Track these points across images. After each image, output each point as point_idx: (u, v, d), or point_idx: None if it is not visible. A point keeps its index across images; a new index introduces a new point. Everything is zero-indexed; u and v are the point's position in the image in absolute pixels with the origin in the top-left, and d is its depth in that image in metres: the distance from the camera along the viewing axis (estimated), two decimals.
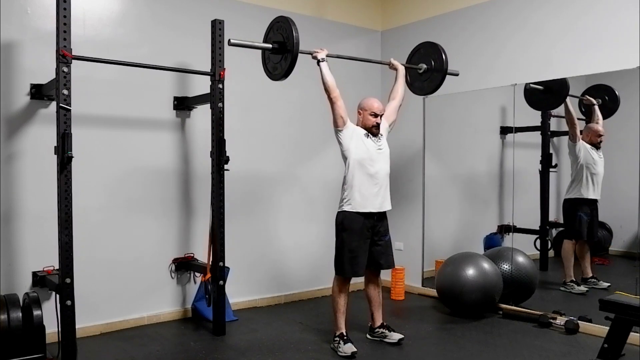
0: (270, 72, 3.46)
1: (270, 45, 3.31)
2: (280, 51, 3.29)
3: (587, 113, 4.42)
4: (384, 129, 3.60)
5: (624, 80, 3.87)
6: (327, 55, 3.46)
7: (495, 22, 4.51)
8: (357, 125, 3.54)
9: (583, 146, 4.38)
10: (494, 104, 4.93)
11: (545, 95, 4.40)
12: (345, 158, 3.48)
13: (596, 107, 4.34)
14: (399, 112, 3.77)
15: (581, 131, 4.43)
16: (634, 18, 3.64)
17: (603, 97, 4.32)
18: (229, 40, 3.16)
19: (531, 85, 4.40)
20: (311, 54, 3.43)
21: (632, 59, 3.64)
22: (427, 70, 3.89)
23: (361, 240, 3.45)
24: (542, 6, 4.19)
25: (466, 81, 4.67)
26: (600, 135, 4.36)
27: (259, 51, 4.63)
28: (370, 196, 3.45)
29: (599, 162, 4.38)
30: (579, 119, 4.44)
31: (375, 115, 3.51)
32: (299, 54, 3.24)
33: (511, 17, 4.40)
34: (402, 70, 3.82)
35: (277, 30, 3.33)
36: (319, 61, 3.42)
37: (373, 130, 3.52)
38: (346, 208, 3.46)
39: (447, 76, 3.85)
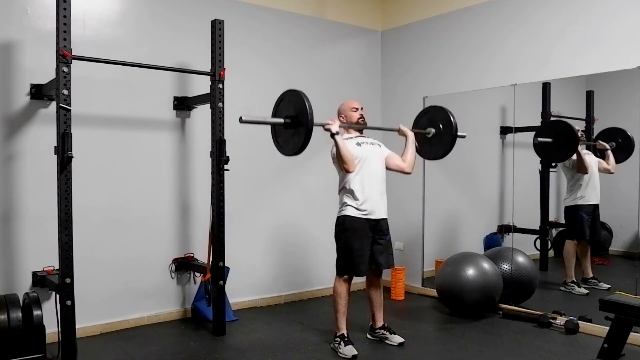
0: (282, 147, 3.29)
1: (282, 120, 3.13)
2: (293, 125, 3.13)
3: (602, 157, 4.41)
4: (381, 154, 3.56)
5: (624, 80, 3.87)
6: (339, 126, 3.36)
7: (495, 22, 4.51)
8: (344, 131, 3.54)
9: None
10: (493, 104, 4.93)
11: (555, 145, 4.38)
12: (338, 167, 3.46)
13: (610, 152, 4.33)
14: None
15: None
16: (634, 18, 3.64)
17: (616, 140, 4.31)
18: (240, 117, 2.98)
19: (540, 139, 4.42)
20: (323, 127, 3.29)
21: (632, 59, 3.64)
22: (436, 134, 3.77)
23: (364, 240, 3.44)
24: (541, 6, 4.19)
25: (466, 81, 4.67)
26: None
27: (259, 51, 4.64)
28: (368, 202, 3.43)
29: (593, 164, 4.39)
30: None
31: (356, 109, 3.55)
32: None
33: (511, 17, 4.40)
34: (411, 136, 3.64)
35: (289, 104, 3.16)
36: (333, 134, 3.29)
37: (360, 122, 3.53)
38: (346, 213, 3.45)
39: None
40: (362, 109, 3.60)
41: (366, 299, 3.72)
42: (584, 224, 4.43)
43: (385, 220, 3.56)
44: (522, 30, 4.31)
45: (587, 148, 4.47)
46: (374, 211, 3.45)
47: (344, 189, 3.47)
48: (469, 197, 5.38)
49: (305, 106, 3.00)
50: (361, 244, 3.43)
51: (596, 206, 4.41)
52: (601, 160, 4.39)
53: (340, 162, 3.35)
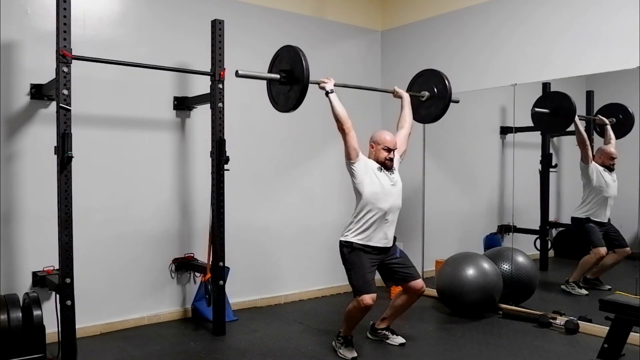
0: (277, 103, 3.31)
1: (277, 76, 3.15)
2: (288, 82, 3.16)
3: (601, 133, 4.38)
4: (396, 161, 3.46)
5: (624, 80, 3.87)
6: (334, 85, 3.34)
7: (495, 22, 4.51)
8: (368, 157, 3.43)
9: (595, 168, 4.33)
10: (493, 104, 4.94)
11: (552, 118, 4.36)
12: (357, 192, 3.35)
13: (609, 127, 4.30)
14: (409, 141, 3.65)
15: (593, 153, 4.38)
16: (634, 18, 3.64)
17: (617, 115, 4.28)
18: (237, 71, 3.02)
19: (537, 109, 4.38)
20: (318, 84, 3.29)
21: (632, 59, 3.64)
22: (430, 97, 3.78)
23: (372, 260, 3.35)
24: (541, 6, 4.19)
25: (466, 81, 4.67)
26: (613, 158, 4.31)
27: (259, 51, 4.63)
28: (380, 232, 3.35)
29: (612, 185, 4.32)
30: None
31: (389, 150, 3.38)
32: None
33: (511, 17, 4.40)
34: (407, 97, 3.68)
35: (284, 60, 3.18)
36: (327, 92, 3.29)
37: (387, 164, 3.40)
38: (351, 239, 3.34)
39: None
40: (394, 150, 3.41)
41: (394, 299, 3.64)
42: (595, 232, 4.33)
43: (393, 244, 3.48)
44: (522, 30, 4.31)
45: (587, 124, 4.43)
46: (381, 241, 3.37)
47: (358, 218, 3.34)
48: (469, 197, 5.38)
49: (302, 62, 3.04)
50: (371, 262, 3.35)
51: (603, 224, 4.35)
52: (604, 147, 4.33)
53: (335, 121, 3.28)
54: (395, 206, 3.41)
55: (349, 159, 3.33)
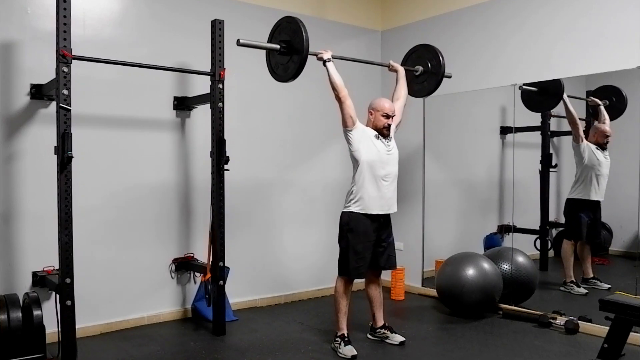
0: (276, 73, 3.40)
1: (277, 46, 3.24)
2: (288, 52, 3.24)
3: (594, 114, 4.39)
4: (391, 130, 3.57)
5: (624, 80, 3.87)
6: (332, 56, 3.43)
7: (495, 22, 4.51)
8: (366, 125, 3.52)
9: (588, 147, 4.35)
10: (494, 104, 4.94)
11: (541, 96, 4.38)
12: (354, 159, 3.45)
13: (602, 108, 4.30)
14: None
15: (585, 131, 4.40)
16: (634, 18, 3.64)
17: (610, 97, 4.28)
18: (238, 40, 3.10)
19: (525, 87, 4.38)
20: (316, 55, 3.39)
21: (632, 59, 3.64)
22: (424, 72, 3.90)
23: (367, 242, 3.44)
24: (541, 6, 4.19)
25: (466, 81, 4.67)
26: (607, 136, 4.32)
27: (260, 51, 4.63)
28: (378, 198, 3.42)
29: (604, 164, 4.34)
30: (580, 119, 4.42)
31: (387, 117, 3.48)
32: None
33: (511, 17, 4.40)
34: (402, 71, 3.79)
35: (284, 31, 3.27)
36: (324, 61, 3.39)
37: (384, 132, 3.49)
38: (353, 209, 3.43)
39: (446, 78, 3.86)
40: (393, 117, 3.52)
41: (366, 298, 3.73)
42: (582, 224, 4.42)
43: (389, 217, 3.55)
44: (523, 30, 4.31)
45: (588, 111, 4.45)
46: (380, 208, 3.44)
47: (357, 187, 3.43)
48: (469, 197, 5.38)
49: (302, 33, 3.12)
50: (363, 247, 3.43)
51: (598, 204, 4.39)
52: (598, 125, 4.33)
53: (332, 89, 3.39)
54: (392, 173, 3.50)
55: (345, 126, 3.42)
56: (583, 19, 3.95)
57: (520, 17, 4.34)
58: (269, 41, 3.36)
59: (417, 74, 3.91)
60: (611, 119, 4.28)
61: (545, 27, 4.16)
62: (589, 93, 4.40)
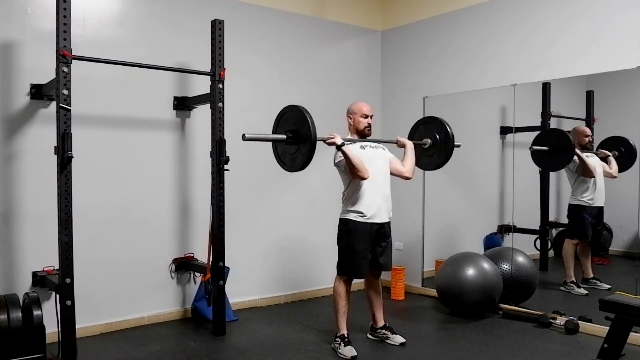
0: (284, 162, 3.28)
1: (284, 136, 3.12)
2: (295, 142, 3.12)
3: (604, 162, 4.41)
4: (385, 157, 3.54)
5: (624, 80, 3.86)
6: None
7: (495, 22, 4.51)
8: (348, 131, 3.54)
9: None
10: (493, 104, 4.93)
11: (552, 155, 4.36)
12: (343, 172, 3.42)
13: (612, 158, 4.32)
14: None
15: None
16: (634, 18, 3.64)
17: (619, 149, 4.30)
18: (243, 135, 2.98)
19: (535, 147, 4.40)
20: (324, 141, 3.22)
21: (632, 59, 3.64)
22: (432, 145, 3.80)
23: (366, 242, 3.43)
24: (541, 6, 4.19)
25: (466, 81, 4.67)
26: (587, 135, 4.37)
27: (259, 51, 4.64)
28: (373, 206, 3.41)
29: (597, 169, 4.36)
30: (580, 119, 4.41)
31: (366, 116, 3.48)
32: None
33: (510, 17, 4.40)
34: (410, 145, 3.65)
35: (289, 120, 3.16)
36: (339, 146, 3.24)
37: (365, 132, 3.49)
38: (350, 217, 3.43)
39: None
40: (371, 116, 3.53)
41: (366, 299, 3.73)
42: (587, 225, 4.41)
43: (388, 223, 3.55)
44: (522, 30, 4.31)
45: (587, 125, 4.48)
46: (378, 215, 3.43)
47: (349, 192, 3.44)
48: (469, 197, 5.38)
49: (308, 122, 2.99)
50: (364, 246, 3.43)
51: (601, 209, 4.41)
52: (605, 164, 4.37)
53: (354, 171, 3.28)
54: (381, 169, 3.46)
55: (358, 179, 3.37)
56: (582, 18, 3.94)
57: (520, 16, 4.33)
58: (274, 130, 3.26)
59: (426, 147, 3.81)
60: (620, 170, 4.26)
61: (545, 27, 4.16)
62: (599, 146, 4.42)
